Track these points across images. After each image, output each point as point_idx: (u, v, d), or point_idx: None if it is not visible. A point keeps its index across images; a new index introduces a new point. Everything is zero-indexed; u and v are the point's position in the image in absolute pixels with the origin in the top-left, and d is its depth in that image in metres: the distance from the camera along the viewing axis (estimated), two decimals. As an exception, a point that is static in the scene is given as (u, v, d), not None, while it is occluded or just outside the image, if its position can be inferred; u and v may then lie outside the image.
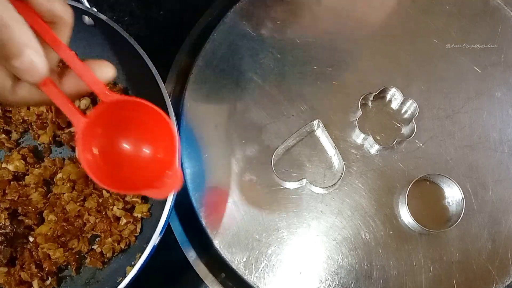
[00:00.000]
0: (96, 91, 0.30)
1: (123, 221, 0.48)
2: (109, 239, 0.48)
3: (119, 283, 0.41)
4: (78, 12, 0.49)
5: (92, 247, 0.49)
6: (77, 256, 0.49)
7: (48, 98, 0.30)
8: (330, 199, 0.50)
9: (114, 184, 0.31)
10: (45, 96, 0.30)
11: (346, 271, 0.48)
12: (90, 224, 0.48)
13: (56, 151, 0.54)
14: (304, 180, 0.50)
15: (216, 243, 0.49)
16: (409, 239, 0.49)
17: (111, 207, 0.48)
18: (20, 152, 0.51)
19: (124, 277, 0.41)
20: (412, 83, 0.53)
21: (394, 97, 0.53)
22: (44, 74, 0.29)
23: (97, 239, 0.49)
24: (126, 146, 0.33)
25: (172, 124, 0.31)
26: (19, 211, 0.49)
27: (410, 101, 0.52)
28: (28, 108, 0.52)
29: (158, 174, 0.31)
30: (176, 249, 0.50)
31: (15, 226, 0.48)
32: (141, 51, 0.47)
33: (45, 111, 0.52)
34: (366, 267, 0.48)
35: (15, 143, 0.53)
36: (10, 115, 0.52)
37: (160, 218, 0.42)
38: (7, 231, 0.47)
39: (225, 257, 0.49)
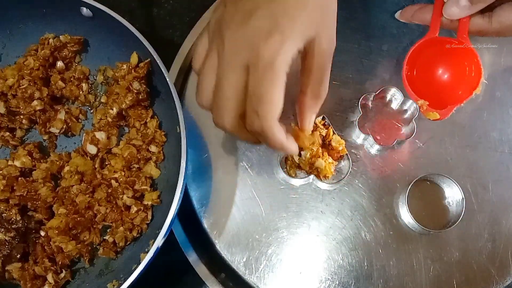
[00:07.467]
0: None
1: (134, 209, 0.48)
2: (121, 228, 0.48)
3: (134, 270, 0.41)
4: (76, 4, 0.48)
5: (104, 237, 0.49)
6: (89, 248, 0.48)
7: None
8: (330, 199, 0.50)
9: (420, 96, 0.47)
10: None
11: (346, 271, 0.48)
12: (101, 214, 0.48)
13: (61, 145, 0.54)
14: (311, 177, 0.50)
15: (216, 243, 0.49)
16: (409, 239, 0.49)
17: (120, 196, 0.48)
18: (26, 148, 0.51)
19: (139, 264, 0.41)
20: (412, 83, 0.53)
21: (394, 97, 0.53)
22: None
23: (108, 230, 0.49)
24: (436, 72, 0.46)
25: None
26: (28, 206, 0.49)
27: (410, 101, 0.51)
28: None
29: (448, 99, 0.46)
30: (176, 249, 0.50)
31: (26, 221, 0.48)
32: (143, 40, 0.47)
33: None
34: (366, 267, 0.48)
35: (20, 141, 0.53)
36: (15, 110, 0.52)
37: (171, 204, 0.42)
38: (19, 225, 0.47)
39: (225, 257, 0.49)
